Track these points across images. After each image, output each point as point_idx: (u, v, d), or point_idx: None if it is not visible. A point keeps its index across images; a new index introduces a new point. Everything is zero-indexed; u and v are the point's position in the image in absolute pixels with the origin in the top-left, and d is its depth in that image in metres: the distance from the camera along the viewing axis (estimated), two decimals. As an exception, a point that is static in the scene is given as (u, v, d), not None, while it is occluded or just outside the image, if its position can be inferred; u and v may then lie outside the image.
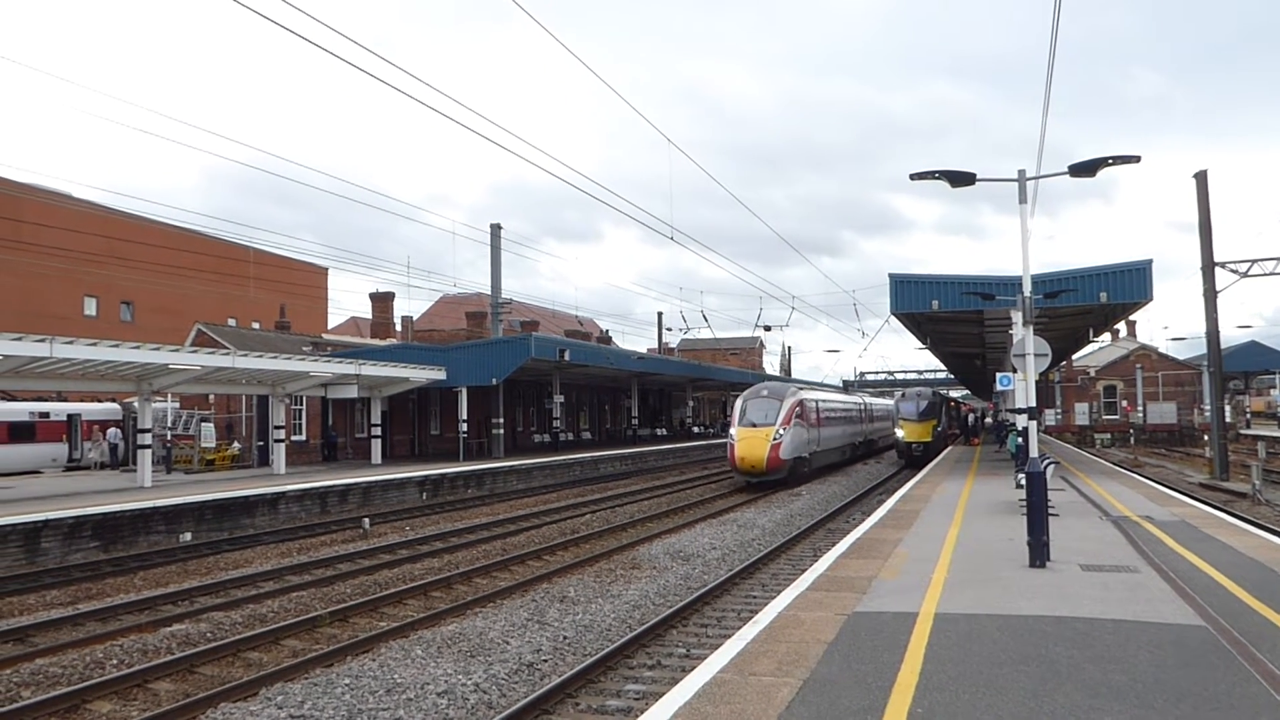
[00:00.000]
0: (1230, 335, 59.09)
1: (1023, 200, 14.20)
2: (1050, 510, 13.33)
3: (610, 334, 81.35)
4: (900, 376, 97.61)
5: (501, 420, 41.31)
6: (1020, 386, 17.00)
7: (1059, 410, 69.02)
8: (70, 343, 22.19)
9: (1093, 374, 74.19)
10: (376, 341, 51.34)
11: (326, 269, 54.57)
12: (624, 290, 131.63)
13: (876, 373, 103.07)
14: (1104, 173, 13.98)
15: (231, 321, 53.61)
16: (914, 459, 40.82)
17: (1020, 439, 19.93)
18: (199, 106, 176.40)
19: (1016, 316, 17.52)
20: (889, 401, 59.77)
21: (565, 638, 11.80)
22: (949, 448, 46.25)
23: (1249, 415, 66.36)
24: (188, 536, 21.66)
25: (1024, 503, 12.86)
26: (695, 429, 72.21)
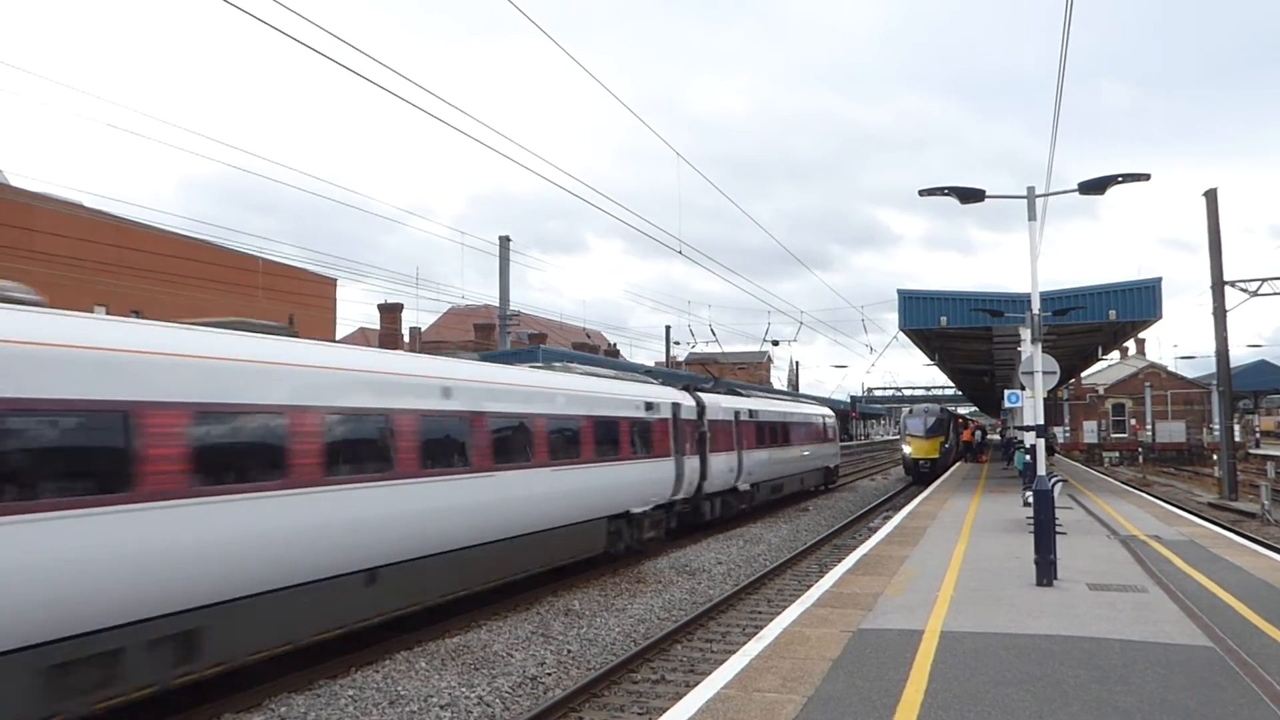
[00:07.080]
0: (1240, 354, 58.99)
1: (1032, 218, 14.14)
2: (1058, 528, 13.29)
3: (618, 347, 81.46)
4: (908, 392, 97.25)
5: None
6: (1028, 404, 16.95)
7: (1067, 428, 68.73)
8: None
9: (1101, 392, 73.90)
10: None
11: (335, 279, 54.91)
12: (613, 302, 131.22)
13: (884, 388, 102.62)
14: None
15: (240, 331, 53.59)
16: (921, 475, 40.74)
17: (1028, 456, 19.87)
18: (173, 104, 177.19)
19: (1025, 333, 17.47)
20: None
21: (569, 651, 11.78)
22: (956, 464, 46.21)
23: (1258, 435, 66.05)
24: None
25: (1031, 520, 12.83)
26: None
